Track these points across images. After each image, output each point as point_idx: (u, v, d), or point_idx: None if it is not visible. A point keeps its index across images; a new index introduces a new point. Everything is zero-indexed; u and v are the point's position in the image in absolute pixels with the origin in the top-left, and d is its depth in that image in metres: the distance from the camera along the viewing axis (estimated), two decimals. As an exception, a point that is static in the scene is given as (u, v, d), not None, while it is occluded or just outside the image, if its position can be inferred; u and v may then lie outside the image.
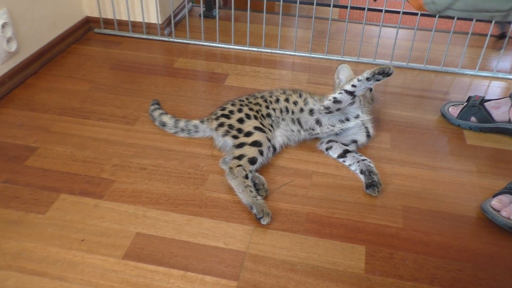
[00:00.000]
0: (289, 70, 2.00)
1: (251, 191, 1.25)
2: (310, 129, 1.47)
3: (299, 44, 2.19)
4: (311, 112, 1.47)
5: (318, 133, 1.48)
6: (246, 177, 1.29)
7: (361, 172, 1.38)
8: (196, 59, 2.05)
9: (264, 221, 1.21)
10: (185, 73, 1.93)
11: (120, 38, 2.19)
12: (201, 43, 2.17)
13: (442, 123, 1.67)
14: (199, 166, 1.41)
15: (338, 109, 1.42)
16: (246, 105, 1.49)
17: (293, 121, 1.48)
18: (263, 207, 1.22)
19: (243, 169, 1.30)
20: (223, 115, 1.46)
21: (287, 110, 1.49)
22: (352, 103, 1.42)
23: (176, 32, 2.25)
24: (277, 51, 2.13)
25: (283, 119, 1.49)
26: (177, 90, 1.80)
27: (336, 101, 1.41)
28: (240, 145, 1.36)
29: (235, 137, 1.40)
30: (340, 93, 1.41)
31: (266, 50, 2.14)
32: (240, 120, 1.42)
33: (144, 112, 1.65)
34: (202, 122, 1.52)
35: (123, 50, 2.09)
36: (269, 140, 1.40)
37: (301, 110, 1.48)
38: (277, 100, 1.51)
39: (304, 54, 2.12)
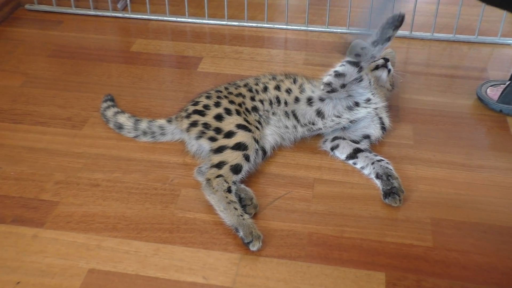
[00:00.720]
0: (280, 48, 2.00)
1: (236, 209, 1.25)
2: (309, 123, 1.47)
3: (292, 15, 2.19)
4: (310, 101, 1.47)
5: (320, 128, 1.48)
6: (229, 190, 1.29)
7: (377, 176, 1.38)
8: (160, 40, 2.04)
9: (254, 247, 1.20)
10: (146, 59, 1.92)
11: (60, 15, 2.18)
12: (165, 18, 2.16)
13: (479, 109, 1.67)
14: (168, 178, 1.41)
15: (343, 86, 1.42)
16: (225, 96, 1.48)
17: (286, 114, 1.48)
18: (252, 228, 1.22)
19: (225, 181, 1.30)
20: (196, 112, 1.45)
21: (279, 101, 1.49)
22: (359, 80, 1.42)
23: (133, 5, 2.24)
24: (264, 25, 2.13)
25: (273, 113, 1.48)
26: (137, 81, 1.80)
27: (338, 74, 1.41)
28: (220, 150, 1.36)
29: (212, 139, 1.39)
30: (342, 65, 1.42)
31: (250, 24, 2.13)
32: (218, 117, 1.42)
33: (94, 111, 1.64)
34: (169, 121, 1.51)
35: (65, 32, 2.07)
36: (257, 141, 1.40)
37: (297, 99, 1.48)
38: (265, 89, 1.51)
39: (299, 28, 2.11)
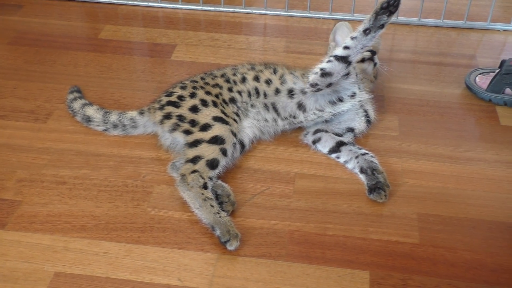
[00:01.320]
0: (259, 35, 2.00)
1: (212, 206, 1.26)
2: (290, 116, 1.48)
3: (272, -1, 2.20)
4: (291, 93, 1.48)
5: (301, 122, 1.49)
6: (205, 186, 1.29)
7: (362, 171, 1.39)
8: (131, 26, 2.03)
9: (231, 246, 1.21)
10: (116, 46, 1.91)
11: None
12: (136, 2, 2.15)
13: (468, 99, 1.70)
14: (140, 175, 1.41)
15: (330, 85, 1.43)
16: (202, 87, 1.49)
17: (266, 107, 1.48)
18: (229, 226, 1.22)
19: (200, 176, 1.30)
20: (170, 103, 1.45)
21: (258, 93, 1.49)
22: (346, 76, 1.43)
23: (101, -12, 2.23)
24: (242, 10, 2.12)
25: (252, 105, 1.49)
26: (106, 71, 1.79)
27: (324, 73, 1.41)
28: (195, 143, 1.36)
29: (187, 132, 1.40)
30: (329, 61, 1.41)
31: (227, 9, 2.13)
32: (194, 109, 1.42)
33: (60, 103, 1.63)
34: (141, 113, 1.51)
35: (26, 17, 2.05)
36: (235, 135, 1.40)
37: (277, 91, 1.49)
38: (244, 79, 1.52)
39: (279, 13, 2.12)
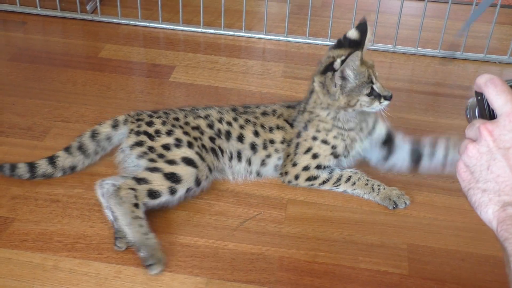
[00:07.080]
0: (258, 59, 2.02)
1: (142, 226, 1.25)
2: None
3: (271, 24, 2.22)
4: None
5: None
6: (136, 205, 1.28)
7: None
8: (131, 46, 2.04)
9: (153, 270, 1.21)
10: (115, 66, 1.93)
11: (24, 16, 2.17)
12: (137, 23, 2.17)
13: (462, 129, 1.70)
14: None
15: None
16: (181, 127, 1.45)
17: (249, 167, 1.50)
18: (155, 250, 1.22)
19: (135, 196, 1.29)
20: (147, 134, 1.42)
21: (239, 158, 1.48)
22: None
23: (103, 8, 2.25)
24: (242, 34, 2.15)
25: (230, 166, 1.48)
26: (104, 90, 1.80)
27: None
28: (153, 170, 1.35)
29: (151, 160, 1.38)
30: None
31: (227, 33, 2.15)
32: (166, 147, 1.40)
33: (57, 121, 1.64)
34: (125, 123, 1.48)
35: (28, 34, 2.07)
36: (199, 182, 1.38)
37: (268, 156, 1.50)
38: (228, 135, 1.47)
39: (278, 38, 2.14)
